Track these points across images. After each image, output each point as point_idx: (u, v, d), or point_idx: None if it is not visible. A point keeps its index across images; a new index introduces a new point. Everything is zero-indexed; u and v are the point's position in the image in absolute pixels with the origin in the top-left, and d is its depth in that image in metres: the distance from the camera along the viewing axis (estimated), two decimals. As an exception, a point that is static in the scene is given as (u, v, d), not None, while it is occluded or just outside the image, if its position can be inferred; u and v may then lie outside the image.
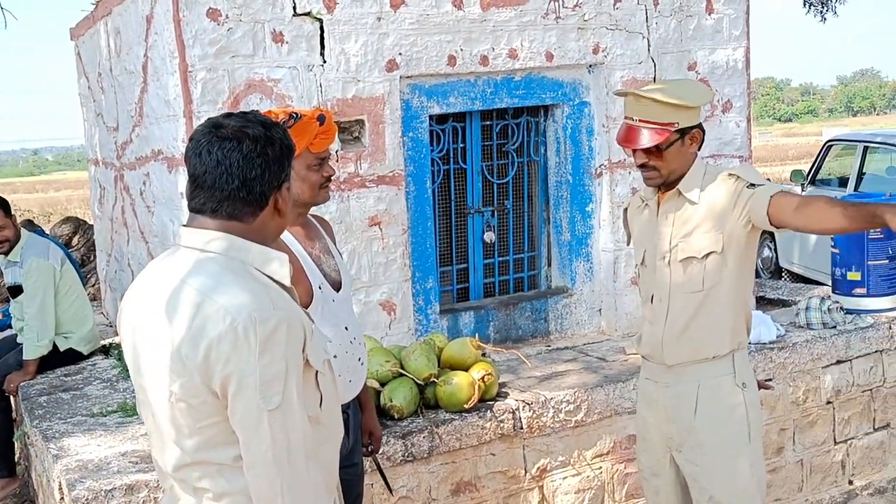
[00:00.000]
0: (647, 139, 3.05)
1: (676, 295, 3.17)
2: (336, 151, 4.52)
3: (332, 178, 2.90)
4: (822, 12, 13.02)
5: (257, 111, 2.11)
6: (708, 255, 3.09)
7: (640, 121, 3.07)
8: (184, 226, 2.02)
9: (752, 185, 3.02)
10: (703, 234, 3.09)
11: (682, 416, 3.20)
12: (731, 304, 3.14)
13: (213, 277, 1.91)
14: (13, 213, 5.34)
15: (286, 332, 1.88)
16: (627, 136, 3.11)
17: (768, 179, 3.11)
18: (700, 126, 3.14)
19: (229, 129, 1.97)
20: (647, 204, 3.28)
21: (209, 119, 2.04)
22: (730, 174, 3.07)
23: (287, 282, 2.02)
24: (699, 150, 3.17)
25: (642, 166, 3.13)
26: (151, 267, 2.08)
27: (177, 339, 1.89)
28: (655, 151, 3.08)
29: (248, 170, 1.95)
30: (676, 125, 3.05)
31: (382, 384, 3.87)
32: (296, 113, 2.77)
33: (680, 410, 3.21)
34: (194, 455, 1.95)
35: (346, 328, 2.92)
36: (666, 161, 3.09)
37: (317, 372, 2.00)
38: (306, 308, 2.74)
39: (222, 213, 1.97)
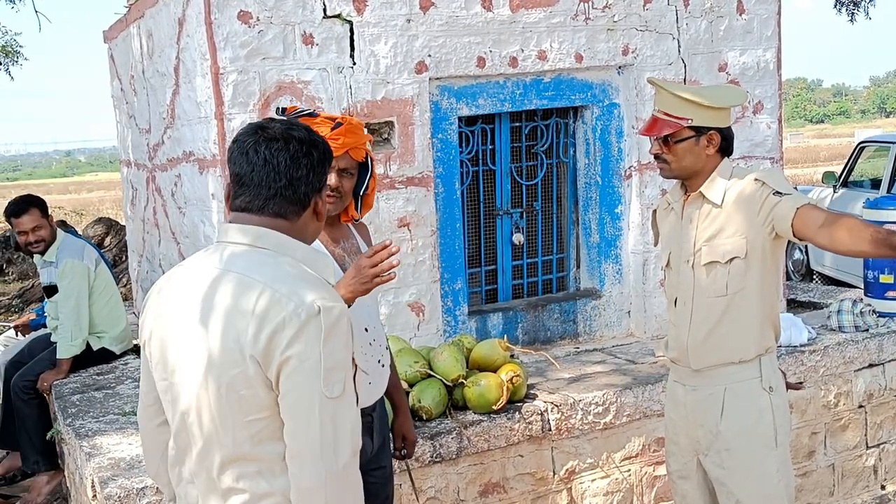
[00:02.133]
0: (659, 129, 3.11)
1: (700, 299, 3.15)
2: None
3: (337, 193, 2.83)
4: (852, 12, 12.89)
5: (298, 120, 2.18)
6: (731, 259, 3.07)
7: (659, 111, 3.13)
8: (229, 222, 2.04)
9: (779, 192, 2.99)
10: (727, 238, 3.07)
11: (708, 419, 3.19)
12: (756, 310, 3.11)
13: (272, 269, 1.94)
14: (49, 213, 5.42)
15: (347, 323, 1.93)
16: (647, 124, 3.18)
17: (796, 187, 3.07)
18: (721, 130, 3.12)
19: (276, 131, 2.03)
20: (672, 206, 3.28)
21: (252, 123, 2.09)
22: (756, 179, 3.04)
23: (332, 279, 2.06)
24: (722, 154, 3.15)
25: (656, 157, 3.18)
26: (190, 263, 2.08)
27: (235, 328, 1.90)
28: (667, 143, 3.11)
29: (294, 169, 2.00)
30: (689, 121, 3.06)
31: (411, 385, 3.88)
32: (315, 111, 2.84)
33: (706, 414, 3.19)
34: (237, 451, 1.94)
35: (366, 329, 2.91)
36: (676, 155, 3.11)
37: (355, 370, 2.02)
38: None
39: (268, 210, 2.01)
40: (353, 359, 1.99)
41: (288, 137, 2.02)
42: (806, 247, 10.09)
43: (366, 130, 4.52)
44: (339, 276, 2.84)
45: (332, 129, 2.80)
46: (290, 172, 2.00)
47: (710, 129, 3.10)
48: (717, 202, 3.10)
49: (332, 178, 2.81)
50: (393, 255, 2.62)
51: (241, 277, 1.93)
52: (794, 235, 2.93)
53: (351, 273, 2.68)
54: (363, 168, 2.93)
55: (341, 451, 1.90)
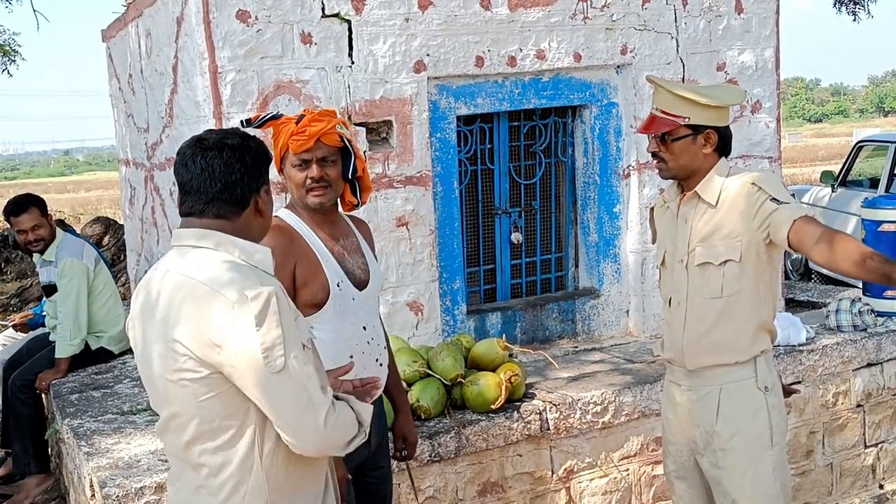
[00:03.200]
0: (657, 127, 3.10)
1: (694, 300, 3.14)
2: (364, 152, 4.54)
3: (322, 182, 2.83)
4: (854, 11, 12.89)
5: (237, 128, 2.39)
6: (725, 262, 3.06)
7: (657, 109, 3.13)
8: (177, 228, 2.28)
9: (776, 199, 2.96)
10: (720, 240, 3.06)
11: (704, 419, 3.18)
12: (751, 313, 3.10)
13: (206, 266, 2.15)
14: (49, 212, 5.41)
15: (276, 302, 2.10)
16: (645, 122, 3.18)
17: (793, 194, 3.04)
18: (719, 129, 3.11)
19: (211, 141, 2.26)
20: (668, 205, 3.27)
21: (193, 136, 2.32)
22: (752, 183, 3.02)
23: (271, 270, 2.26)
24: (719, 153, 3.13)
25: (653, 155, 3.17)
26: (154, 267, 2.30)
27: (178, 324, 2.11)
28: (664, 141, 3.10)
29: (228, 174, 2.23)
30: (687, 119, 3.05)
31: (410, 384, 3.88)
32: (278, 113, 2.89)
33: (702, 414, 3.18)
34: (198, 430, 2.16)
35: (364, 328, 2.91)
36: (673, 154, 3.10)
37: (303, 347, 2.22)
38: (321, 304, 2.79)
39: (209, 213, 2.24)
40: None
41: (221, 146, 2.24)
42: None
43: (364, 130, 4.56)
44: (335, 272, 2.84)
45: (297, 123, 2.81)
46: (224, 177, 2.22)
47: (707, 127, 3.09)
48: (712, 202, 3.08)
49: (313, 170, 2.82)
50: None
51: (182, 277, 2.16)
52: (790, 246, 2.92)
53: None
54: (346, 154, 2.91)
55: (317, 403, 2.11)
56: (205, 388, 2.11)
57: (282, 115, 2.88)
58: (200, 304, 2.09)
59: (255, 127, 2.81)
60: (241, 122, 2.86)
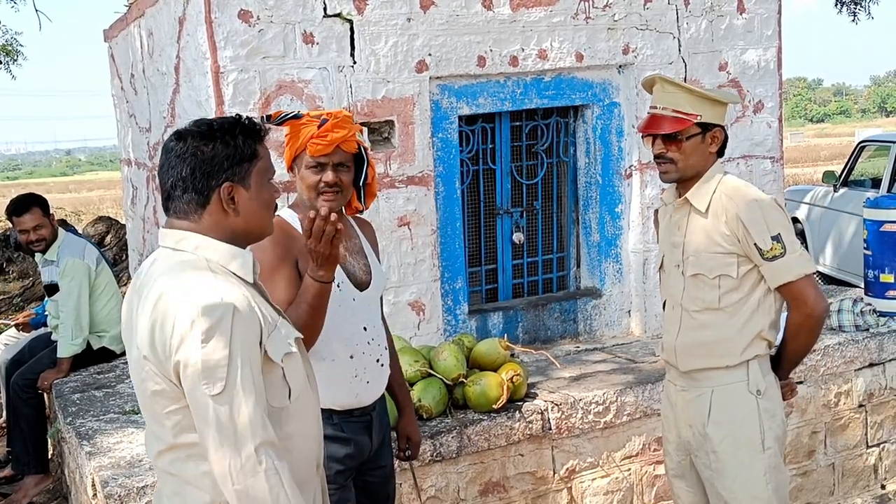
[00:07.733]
0: (668, 126, 3.05)
1: (689, 305, 3.14)
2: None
3: (335, 188, 2.83)
4: (853, 12, 12.87)
5: (226, 117, 2.16)
6: (719, 276, 3.05)
7: (664, 108, 3.07)
8: (161, 227, 2.15)
9: (762, 251, 3.00)
10: (712, 254, 3.05)
11: (696, 421, 3.18)
12: (747, 321, 3.09)
13: (175, 274, 2.01)
14: (51, 212, 5.41)
15: (231, 321, 1.94)
16: (649, 123, 3.11)
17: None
18: (723, 128, 3.11)
19: (180, 132, 2.08)
20: (667, 209, 3.27)
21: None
22: (741, 220, 3.00)
23: (249, 278, 2.09)
24: (719, 154, 3.13)
25: (659, 157, 3.11)
26: (141, 266, 2.18)
27: (143, 332, 2.00)
28: (675, 141, 3.06)
29: (180, 168, 2.04)
30: (699, 117, 3.03)
31: (411, 384, 3.88)
32: (299, 112, 2.85)
33: (695, 415, 3.18)
34: (168, 440, 2.04)
35: (365, 328, 2.91)
36: (684, 153, 3.06)
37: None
38: None
39: (172, 212, 2.09)
40: (268, 353, 2.03)
41: (182, 136, 2.05)
42: (806, 246, 10.08)
43: (366, 130, 4.56)
44: (339, 274, 2.84)
45: (319, 126, 2.80)
46: (176, 172, 2.05)
47: (714, 126, 3.08)
48: (702, 209, 3.07)
49: (328, 175, 2.83)
50: (321, 217, 2.46)
51: (153, 284, 2.02)
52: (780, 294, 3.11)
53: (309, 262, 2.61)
54: (359, 159, 2.92)
55: (242, 444, 1.93)
56: (166, 401, 2.00)
57: (303, 114, 2.87)
58: (162, 313, 1.95)
59: (276, 124, 2.79)
60: (262, 117, 2.85)
